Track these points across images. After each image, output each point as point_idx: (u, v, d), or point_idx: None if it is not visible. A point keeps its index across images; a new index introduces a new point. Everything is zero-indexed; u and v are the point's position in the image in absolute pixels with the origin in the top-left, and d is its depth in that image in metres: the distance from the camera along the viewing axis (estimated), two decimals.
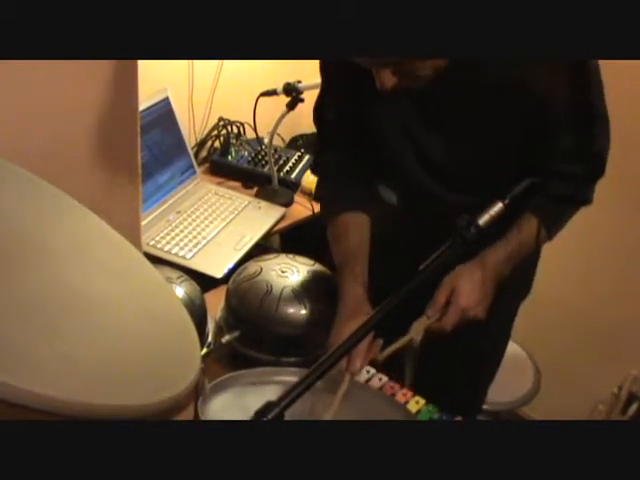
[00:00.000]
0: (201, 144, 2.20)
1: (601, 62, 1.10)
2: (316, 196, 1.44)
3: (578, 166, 1.18)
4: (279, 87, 1.90)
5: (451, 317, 1.13)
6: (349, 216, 1.27)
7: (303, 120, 2.37)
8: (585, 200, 1.23)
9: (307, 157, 2.23)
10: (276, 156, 2.16)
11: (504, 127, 1.16)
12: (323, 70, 1.28)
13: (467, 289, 1.14)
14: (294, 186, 2.11)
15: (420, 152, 1.22)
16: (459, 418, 1.18)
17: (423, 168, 1.24)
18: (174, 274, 1.28)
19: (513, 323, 1.49)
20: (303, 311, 1.25)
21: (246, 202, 1.97)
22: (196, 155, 2.14)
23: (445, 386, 1.15)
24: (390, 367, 1.29)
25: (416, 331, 1.16)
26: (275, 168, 2.05)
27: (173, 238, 1.74)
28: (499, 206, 0.99)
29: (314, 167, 1.41)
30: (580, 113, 1.14)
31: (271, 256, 1.37)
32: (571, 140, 1.15)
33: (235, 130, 2.23)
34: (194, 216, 1.85)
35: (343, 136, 1.29)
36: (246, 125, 2.23)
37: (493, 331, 1.38)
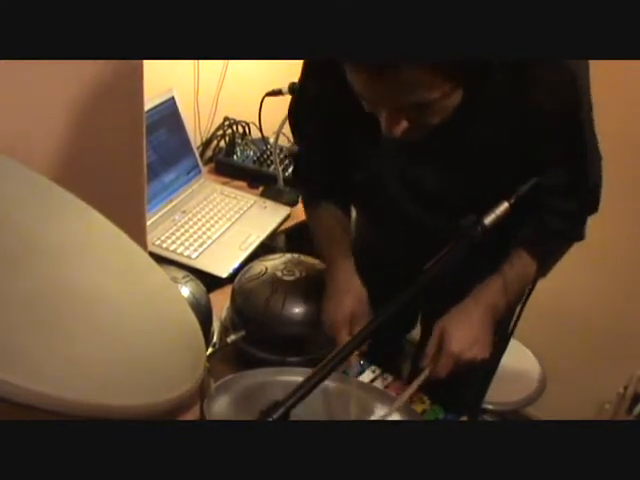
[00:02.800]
0: (206, 144, 2.20)
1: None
2: (297, 181, 1.42)
3: (571, 202, 1.15)
4: (284, 87, 1.90)
5: (443, 364, 1.08)
6: (334, 205, 1.27)
7: None
8: (577, 236, 1.20)
9: None
10: (281, 156, 2.16)
11: (494, 161, 1.11)
12: (303, 81, 1.22)
13: (458, 332, 1.09)
14: None
15: (407, 181, 1.18)
16: (464, 418, 1.18)
17: (408, 193, 1.20)
18: (179, 274, 1.28)
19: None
20: (308, 311, 1.25)
21: (251, 202, 1.97)
22: (201, 155, 2.14)
23: (443, 385, 1.13)
24: (387, 366, 1.29)
25: (414, 387, 1.12)
26: (280, 168, 2.05)
27: (178, 238, 1.74)
28: (505, 206, 0.99)
29: (295, 179, 1.39)
30: (573, 150, 1.10)
31: (276, 256, 1.37)
32: (564, 176, 1.11)
33: (240, 130, 2.23)
34: (199, 216, 1.85)
35: (321, 153, 1.26)
36: (251, 125, 2.23)
37: None
